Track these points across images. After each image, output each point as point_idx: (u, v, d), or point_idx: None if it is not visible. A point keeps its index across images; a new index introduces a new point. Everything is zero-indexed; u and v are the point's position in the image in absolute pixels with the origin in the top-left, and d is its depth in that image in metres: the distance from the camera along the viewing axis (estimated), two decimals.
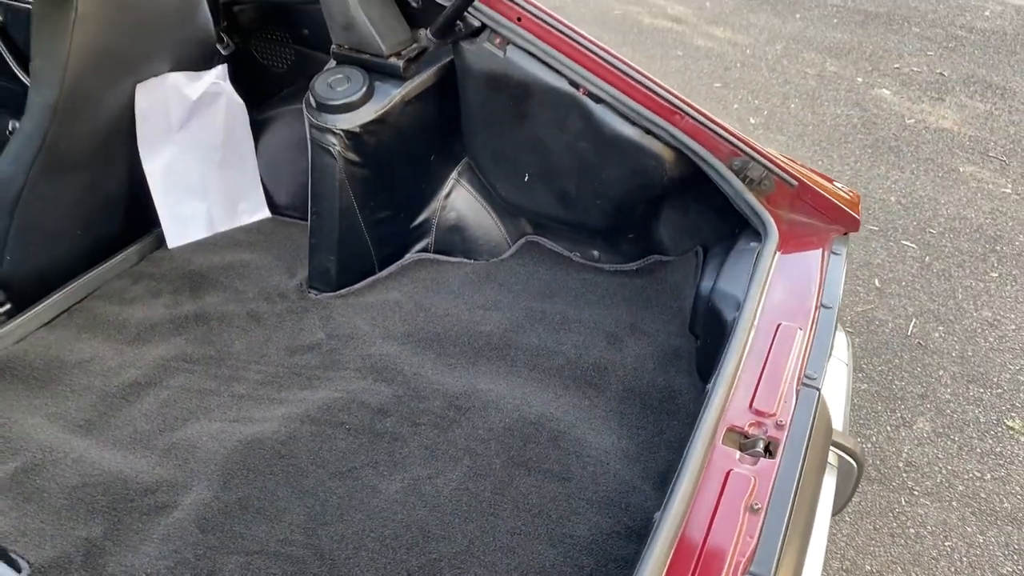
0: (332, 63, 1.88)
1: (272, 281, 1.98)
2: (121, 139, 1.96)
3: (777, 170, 1.65)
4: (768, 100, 4.55)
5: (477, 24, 1.75)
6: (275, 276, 2.00)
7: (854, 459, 1.52)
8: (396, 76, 1.82)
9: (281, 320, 1.85)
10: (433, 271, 2.02)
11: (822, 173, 1.77)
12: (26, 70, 2.27)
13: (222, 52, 2.17)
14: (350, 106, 1.77)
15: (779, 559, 1.02)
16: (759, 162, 1.65)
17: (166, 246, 2.08)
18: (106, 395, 1.65)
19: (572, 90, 1.72)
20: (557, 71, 1.71)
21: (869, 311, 3.04)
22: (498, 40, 1.74)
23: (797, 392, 1.26)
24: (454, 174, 2.07)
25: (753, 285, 1.44)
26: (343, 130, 1.77)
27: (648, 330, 1.79)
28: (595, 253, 2.03)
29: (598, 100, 1.71)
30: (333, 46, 1.86)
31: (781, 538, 1.04)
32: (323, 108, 1.78)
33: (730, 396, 1.23)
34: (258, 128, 2.20)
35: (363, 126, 1.78)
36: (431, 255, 2.07)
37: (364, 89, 1.78)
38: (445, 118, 1.95)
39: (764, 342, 1.35)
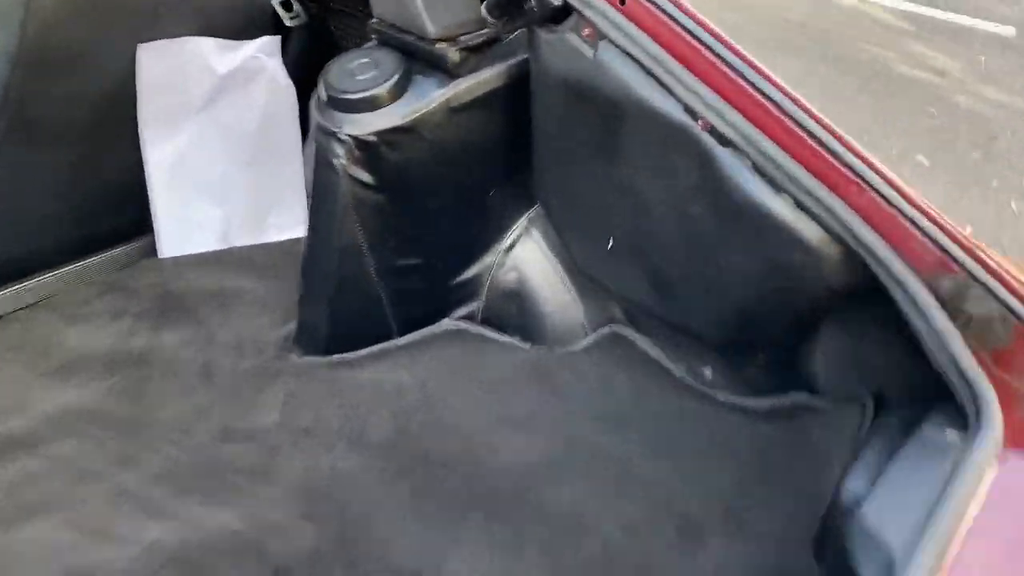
0: (370, 43, 1.35)
1: (258, 324, 1.48)
2: (124, 113, 1.55)
3: (1022, 308, 0.91)
4: None
5: (559, 2, 1.13)
6: (264, 318, 1.49)
7: None
8: (444, 70, 1.25)
9: (237, 385, 1.34)
10: (471, 351, 1.42)
11: None
12: None
13: (286, 22, 1.71)
14: (369, 103, 1.23)
15: None
16: (989, 290, 0.92)
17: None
18: None
19: (687, 121, 1.07)
20: (668, 88, 1.07)
21: None
22: (587, 31, 1.12)
23: None
24: (524, 220, 1.47)
25: (939, 520, 0.75)
26: (351, 136, 1.22)
27: (751, 525, 1.10)
28: (706, 372, 1.35)
29: (726, 142, 1.04)
30: (372, 19, 1.33)
31: None
32: (333, 102, 1.25)
33: None
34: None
35: (381, 133, 1.23)
36: (474, 327, 1.47)
37: (394, 81, 1.23)
38: (515, 139, 1.36)
39: None
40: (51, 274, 1.54)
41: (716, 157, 1.06)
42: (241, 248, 1.68)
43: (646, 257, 1.25)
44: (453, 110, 1.26)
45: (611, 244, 1.27)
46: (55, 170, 1.51)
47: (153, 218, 1.61)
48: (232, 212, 1.68)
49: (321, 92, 1.27)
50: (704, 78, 1.04)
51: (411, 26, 1.26)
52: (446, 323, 1.47)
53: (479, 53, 1.27)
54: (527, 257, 1.46)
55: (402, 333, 1.44)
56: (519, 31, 1.25)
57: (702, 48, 1.04)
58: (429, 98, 1.24)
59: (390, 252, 1.36)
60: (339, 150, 1.24)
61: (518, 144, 1.35)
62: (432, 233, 1.39)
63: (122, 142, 1.58)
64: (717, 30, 1.06)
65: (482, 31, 1.27)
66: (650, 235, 1.21)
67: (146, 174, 1.59)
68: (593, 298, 1.44)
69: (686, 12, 1.06)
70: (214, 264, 1.63)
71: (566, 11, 1.15)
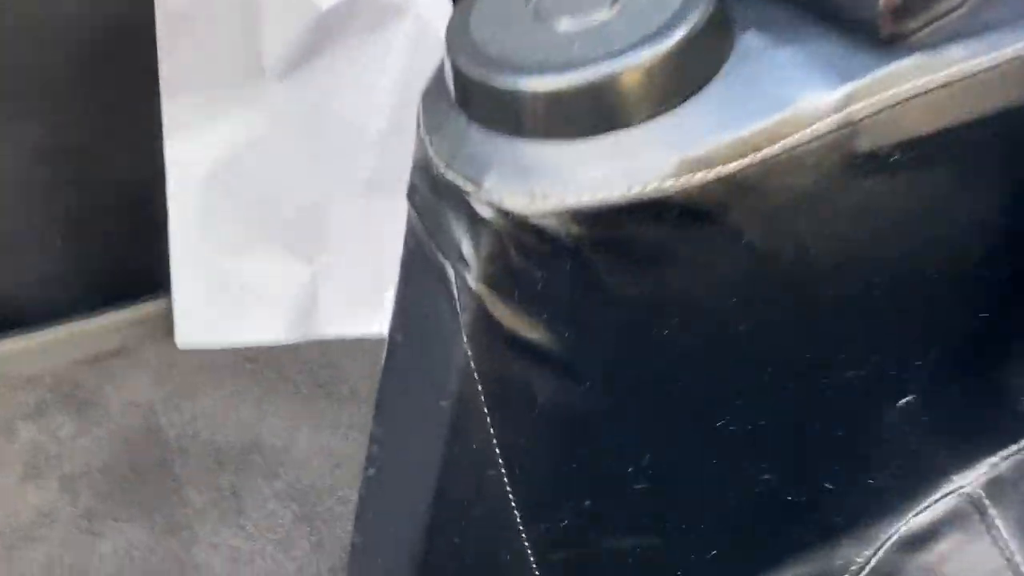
0: None
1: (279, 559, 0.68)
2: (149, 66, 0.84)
3: None
4: None
5: None
6: (303, 544, 0.70)
7: None
8: (859, 29, 0.36)
9: None
10: None
11: None
12: None
13: None
14: (590, 103, 0.36)
15: None
16: None
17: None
18: None
19: None
20: None
21: None
22: None
23: None
24: (983, 473, 0.53)
25: None
26: (513, 212, 0.37)
27: None
28: None
29: None
30: None
31: None
32: (466, 91, 0.39)
33: None
34: None
35: (619, 211, 0.36)
36: None
37: (679, 39, 0.35)
38: None
39: None
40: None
41: None
42: (329, 342, 0.90)
43: None
44: (887, 155, 0.36)
45: None
46: (23, 150, 0.84)
47: (172, 275, 0.87)
48: (326, 274, 0.90)
49: (447, 60, 0.42)
50: None
51: None
52: None
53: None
54: (969, 567, 0.53)
55: None
56: None
57: None
58: (797, 106, 0.35)
59: (584, 518, 0.49)
60: (466, 247, 0.39)
61: None
62: (718, 482, 0.50)
63: (137, 123, 0.85)
64: None
65: None
66: None
67: (167, 185, 0.85)
68: None
69: None
70: (264, 376, 0.85)
71: None
